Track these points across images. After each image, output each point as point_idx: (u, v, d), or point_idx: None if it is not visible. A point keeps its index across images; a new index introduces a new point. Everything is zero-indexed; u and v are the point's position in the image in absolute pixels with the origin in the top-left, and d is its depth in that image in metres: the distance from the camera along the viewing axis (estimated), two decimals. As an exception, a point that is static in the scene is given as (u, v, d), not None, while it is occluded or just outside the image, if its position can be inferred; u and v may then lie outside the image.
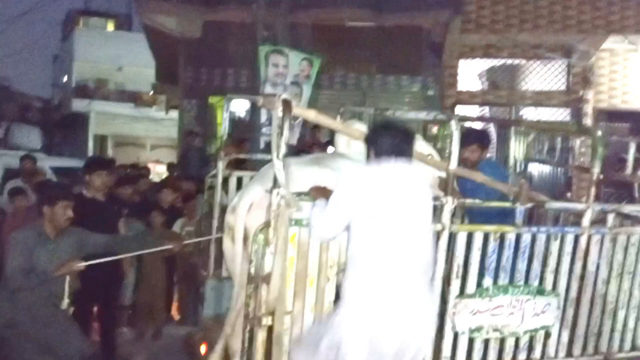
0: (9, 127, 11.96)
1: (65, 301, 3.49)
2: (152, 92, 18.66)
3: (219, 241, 4.07)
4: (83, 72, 18.79)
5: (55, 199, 3.53)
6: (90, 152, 16.08)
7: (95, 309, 4.48)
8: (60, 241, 3.57)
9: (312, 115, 2.81)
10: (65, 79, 19.97)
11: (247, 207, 2.90)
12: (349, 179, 2.57)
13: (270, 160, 2.85)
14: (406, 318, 2.45)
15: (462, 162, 3.81)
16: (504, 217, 3.40)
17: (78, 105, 17.51)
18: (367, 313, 2.42)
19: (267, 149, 5.53)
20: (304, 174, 2.86)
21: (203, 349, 3.72)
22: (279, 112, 2.56)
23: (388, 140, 2.56)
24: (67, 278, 3.50)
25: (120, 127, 18.21)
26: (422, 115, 4.71)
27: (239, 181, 4.42)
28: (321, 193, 2.69)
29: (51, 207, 3.51)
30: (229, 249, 3.02)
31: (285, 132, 2.57)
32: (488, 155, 4.55)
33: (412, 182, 2.57)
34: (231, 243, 2.94)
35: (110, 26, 21.59)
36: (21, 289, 3.36)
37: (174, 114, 14.92)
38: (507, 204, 3.32)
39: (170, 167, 9.20)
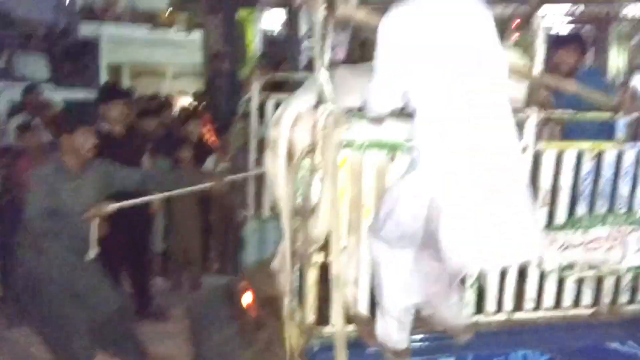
0: (12, 56, 12.27)
1: (93, 250, 3.58)
2: (169, 10, 18.68)
3: (259, 178, 4.16)
4: (89, -10, 18.97)
5: (73, 126, 3.56)
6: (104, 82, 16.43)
7: (123, 256, 4.71)
8: (85, 176, 3.62)
9: (361, 16, 2.75)
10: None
11: (293, 118, 2.90)
12: (389, 21, 2.39)
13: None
14: (494, 185, 2.28)
15: (554, 70, 3.70)
16: (606, 136, 3.31)
17: (86, 29, 17.74)
18: (443, 176, 2.32)
19: (309, 67, 5.49)
20: (360, 84, 2.83)
21: (247, 298, 3.88)
22: (321, 13, 2.53)
23: None
24: (96, 222, 3.55)
25: (136, 54, 18.38)
26: (498, 11, 4.55)
27: (278, 106, 4.43)
28: None
29: (70, 137, 3.54)
30: (271, 170, 3.06)
31: (330, 36, 2.54)
32: (585, 63, 4.40)
33: (464, 4, 2.42)
34: (274, 162, 2.98)
35: None
36: (45, 234, 3.46)
37: (197, 35, 14.94)
38: (606, 116, 3.22)
39: (197, 96, 9.33)
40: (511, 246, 2.31)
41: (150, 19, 18.98)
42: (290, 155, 2.90)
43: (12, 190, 5.37)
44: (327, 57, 2.55)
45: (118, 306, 3.77)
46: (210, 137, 6.72)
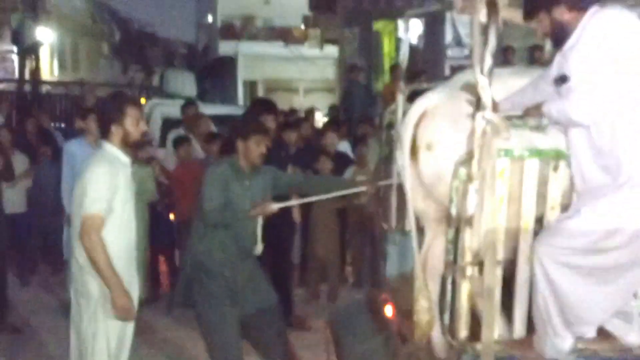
0: (164, 74, 13.24)
1: (259, 245, 3.87)
2: (303, 26, 19.25)
3: (401, 190, 4.15)
4: (227, 9, 19.96)
5: (248, 132, 3.88)
6: (241, 98, 17.16)
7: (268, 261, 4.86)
8: (254, 178, 3.94)
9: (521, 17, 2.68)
10: (209, 19, 21.46)
11: (419, 114, 2.92)
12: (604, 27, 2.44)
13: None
14: None
15: None
16: None
17: (225, 47, 18.71)
18: None
19: (453, 74, 5.43)
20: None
21: (388, 311, 3.86)
22: (482, 15, 2.49)
23: None
24: (260, 220, 3.86)
25: (270, 71, 19.12)
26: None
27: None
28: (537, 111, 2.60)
29: (245, 142, 3.86)
30: (399, 164, 3.14)
31: (492, 40, 2.49)
32: None
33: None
34: (400, 157, 3.06)
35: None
36: (217, 225, 3.80)
37: (330, 50, 15.29)
38: None
39: (332, 108, 9.52)
40: None
41: (284, 35, 19.66)
42: (413, 149, 2.94)
43: (167, 197, 5.81)
44: (487, 62, 2.50)
45: (273, 303, 3.96)
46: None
